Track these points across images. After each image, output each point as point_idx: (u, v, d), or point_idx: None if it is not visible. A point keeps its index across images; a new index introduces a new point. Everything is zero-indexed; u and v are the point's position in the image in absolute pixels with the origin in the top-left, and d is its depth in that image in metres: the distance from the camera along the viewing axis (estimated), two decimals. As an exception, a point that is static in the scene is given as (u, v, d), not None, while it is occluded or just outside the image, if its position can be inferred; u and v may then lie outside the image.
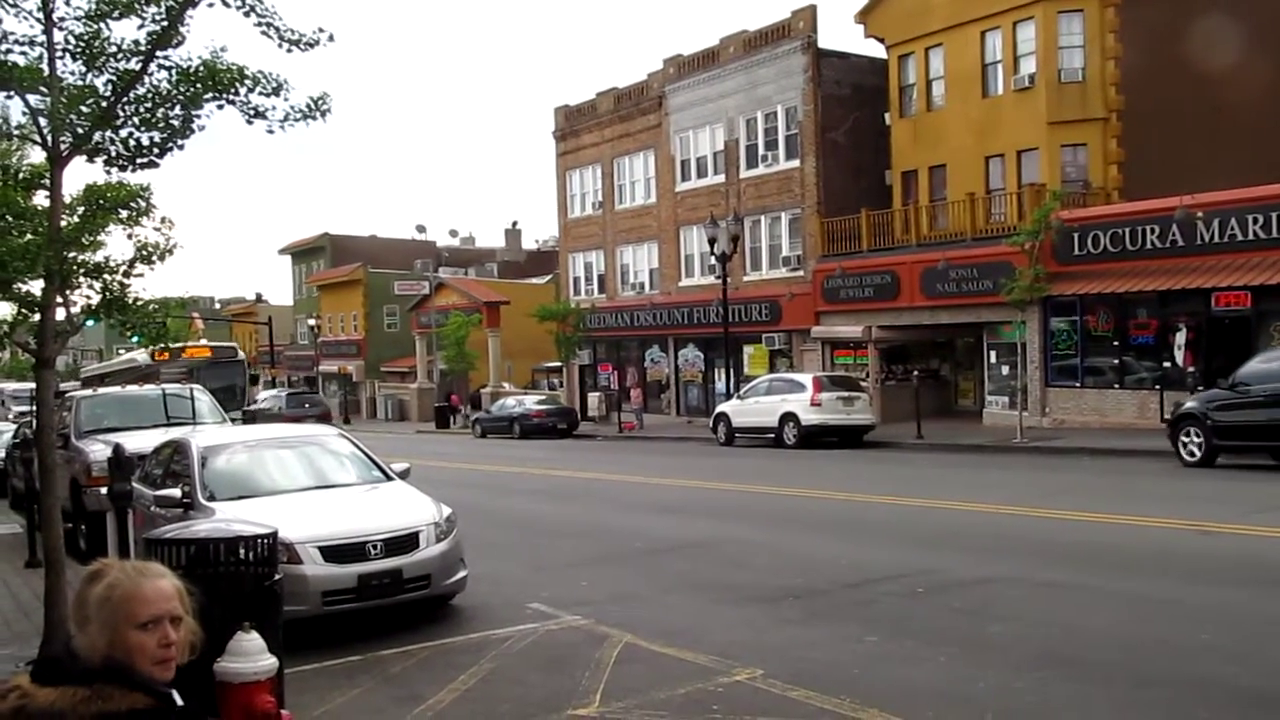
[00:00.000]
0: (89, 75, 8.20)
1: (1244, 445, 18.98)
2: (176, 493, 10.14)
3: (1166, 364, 26.28)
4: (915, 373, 31.58)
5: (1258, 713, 6.39)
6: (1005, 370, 30.33)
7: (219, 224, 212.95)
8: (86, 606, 2.81)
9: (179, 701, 2.83)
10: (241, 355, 32.11)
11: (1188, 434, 19.52)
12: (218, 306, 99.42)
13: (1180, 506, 14.06)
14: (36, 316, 8.49)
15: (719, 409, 32.14)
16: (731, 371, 36.53)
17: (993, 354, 31.27)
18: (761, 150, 37.54)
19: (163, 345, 10.43)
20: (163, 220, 8.99)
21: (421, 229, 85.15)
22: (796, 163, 36.23)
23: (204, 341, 34.13)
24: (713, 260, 35.51)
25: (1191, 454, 19.30)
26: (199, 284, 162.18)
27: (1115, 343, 27.58)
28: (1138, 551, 11.52)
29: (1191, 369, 24.34)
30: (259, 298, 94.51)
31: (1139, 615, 8.88)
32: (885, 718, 6.49)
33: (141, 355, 29.66)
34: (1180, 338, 25.52)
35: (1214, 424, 18.94)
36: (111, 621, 2.80)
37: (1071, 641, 8.16)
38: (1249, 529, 12.32)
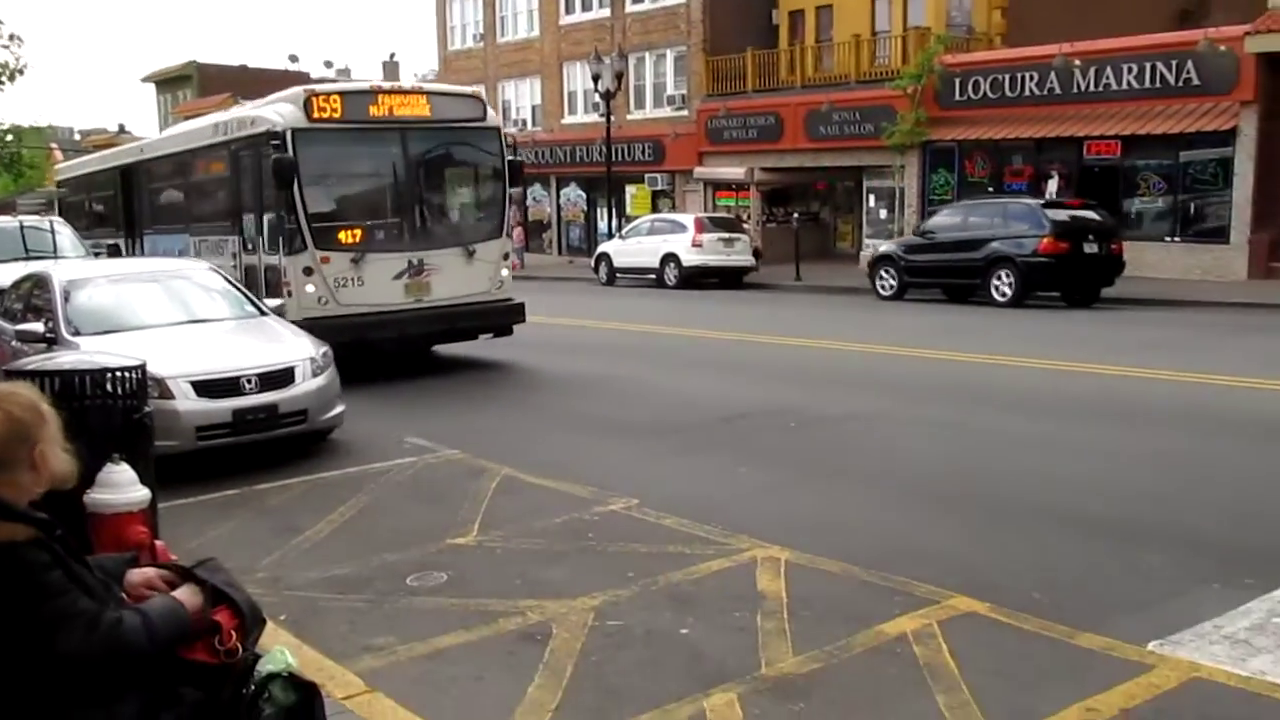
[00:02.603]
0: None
1: (926, 282, 22.91)
2: (39, 327, 9.81)
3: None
4: (796, 215, 31.86)
5: (1103, 538, 6.81)
6: (883, 214, 30.80)
7: (76, 47, 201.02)
8: (26, 429, 2.73)
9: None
10: (493, 118, 15.31)
11: (884, 273, 23.47)
12: (77, 137, 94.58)
13: (1011, 345, 14.70)
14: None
15: (601, 249, 32.05)
16: (614, 211, 36.35)
17: (871, 198, 31.67)
18: (648, -16, 36.65)
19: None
20: (11, 37, 8.49)
21: (294, 59, 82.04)
22: (683, -2, 35.51)
23: (411, 83, 17.58)
24: (597, 98, 34.90)
25: (887, 288, 23.29)
26: (56, 112, 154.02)
27: (990, 189, 28.13)
28: (997, 386, 12.04)
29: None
30: (122, 129, 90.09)
31: (999, 447, 9.33)
32: (754, 542, 6.76)
33: (270, 113, 13.82)
34: (1052, 185, 26.13)
35: (905, 264, 22.91)
36: (57, 443, 2.77)
37: (934, 472, 8.56)
38: (1105, 369, 12.98)
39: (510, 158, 14.93)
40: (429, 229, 14.39)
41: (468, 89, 15.62)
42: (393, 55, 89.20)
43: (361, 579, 6.39)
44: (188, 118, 72.09)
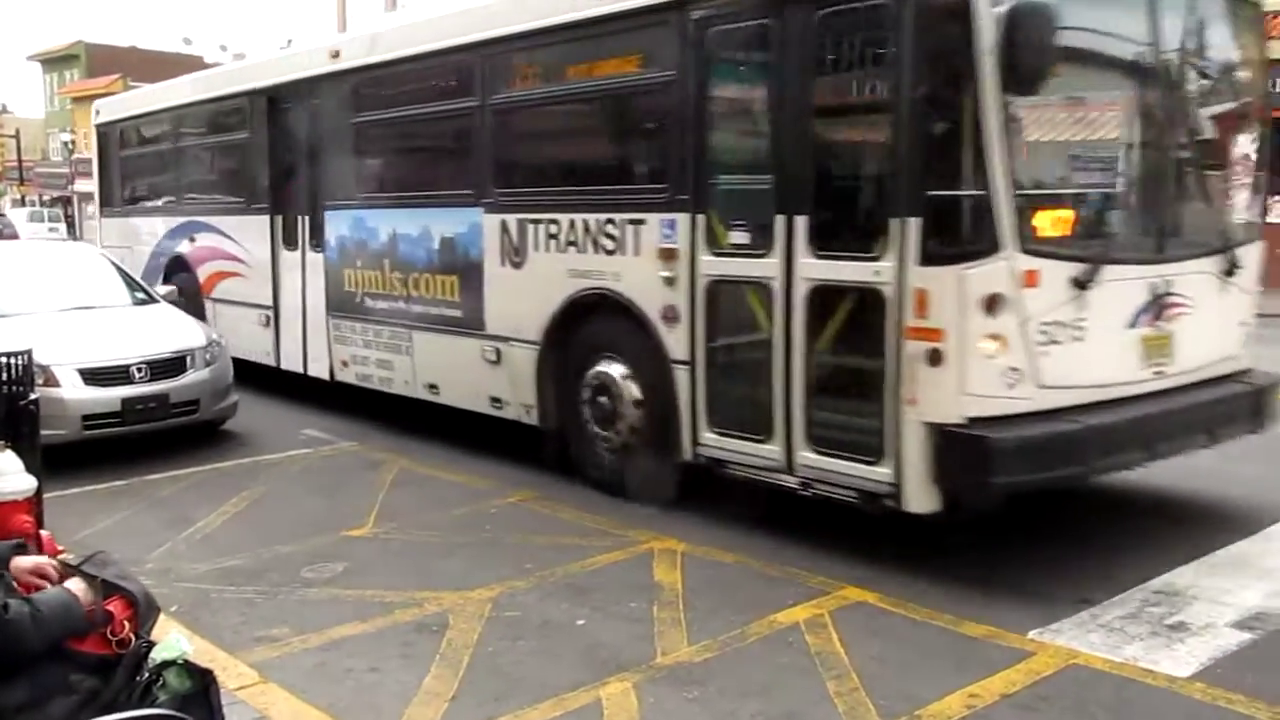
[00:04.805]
0: None
1: None
2: (-85, 311, 9.45)
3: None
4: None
5: (990, 529, 7.02)
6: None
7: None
8: None
9: None
10: None
11: None
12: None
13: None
14: None
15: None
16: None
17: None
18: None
19: None
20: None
21: (188, 42, 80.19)
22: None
23: None
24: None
25: None
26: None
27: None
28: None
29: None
30: (4, 108, 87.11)
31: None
32: (650, 534, 6.84)
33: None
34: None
35: None
36: None
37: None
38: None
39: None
40: (1180, 214, 6.76)
41: None
42: (290, 42, 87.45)
43: (255, 570, 6.31)
44: (75, 99, 69.45)
